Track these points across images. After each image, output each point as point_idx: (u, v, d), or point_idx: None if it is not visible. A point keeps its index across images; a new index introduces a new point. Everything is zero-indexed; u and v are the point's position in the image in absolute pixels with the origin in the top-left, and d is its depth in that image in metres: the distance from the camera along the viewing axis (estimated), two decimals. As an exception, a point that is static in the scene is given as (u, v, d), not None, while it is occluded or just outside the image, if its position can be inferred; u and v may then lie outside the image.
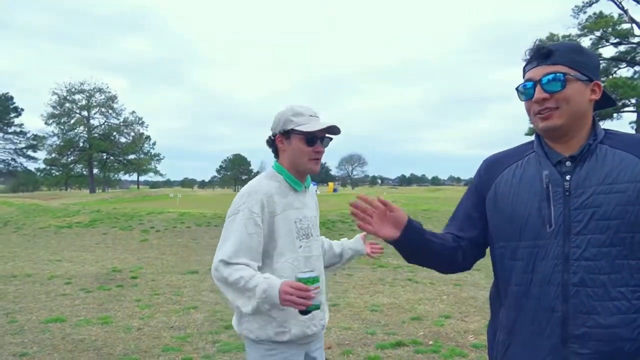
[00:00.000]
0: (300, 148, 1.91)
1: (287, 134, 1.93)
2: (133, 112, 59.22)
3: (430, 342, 4.66)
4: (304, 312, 1.68)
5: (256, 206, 1.82)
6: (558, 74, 1.28)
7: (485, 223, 1.45)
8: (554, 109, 1.28)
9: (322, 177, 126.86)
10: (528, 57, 1.36)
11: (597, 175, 1.26)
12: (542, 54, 1.31)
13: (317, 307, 1.68)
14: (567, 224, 1.26)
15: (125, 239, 13.05)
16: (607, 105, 1.42)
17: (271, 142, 2.01)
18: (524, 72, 1.37)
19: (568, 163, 1.31)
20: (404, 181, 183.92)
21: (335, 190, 68.15)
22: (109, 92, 56.55)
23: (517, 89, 1.37)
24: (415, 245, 1.42)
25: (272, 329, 1.85)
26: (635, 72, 30.00)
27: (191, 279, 8.06)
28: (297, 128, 1.90)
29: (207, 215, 16.58)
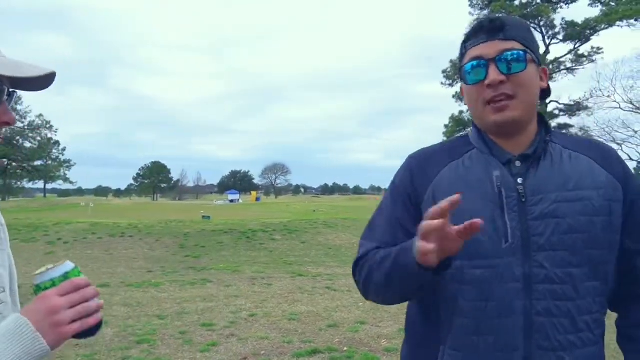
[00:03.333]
0: None
1: None
2: (40, 115, 55.20)
3: (345, 348, 4.79)
4: (88, 333, 0.87)
5: None
6: (518, 52, 1.05)
7: None
8: (510, 97, 1.05)
9: (245, 186, 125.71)
10: (472, 30, 1.10)
11: (556, 179, 1.06)
12: (494, 26, 1.07)
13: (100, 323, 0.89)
14: (526, 238, 1.03)
15: (28, 251, 12.09)
16: (543, 96, 1.18)
17: None
18: (465, 49, 1.12)
19: (518, 163, 1.08)
20: (327, 190, 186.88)
21: (258, 199, 67.71)
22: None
23: (461, 68, 1.12)
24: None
25: None
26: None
27: (101, 292, 7.43)
28: None
29: (122, 226, 15.83)
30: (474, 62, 1.08)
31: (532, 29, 1.13)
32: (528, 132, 1.11)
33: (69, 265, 0.89)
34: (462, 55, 1.13)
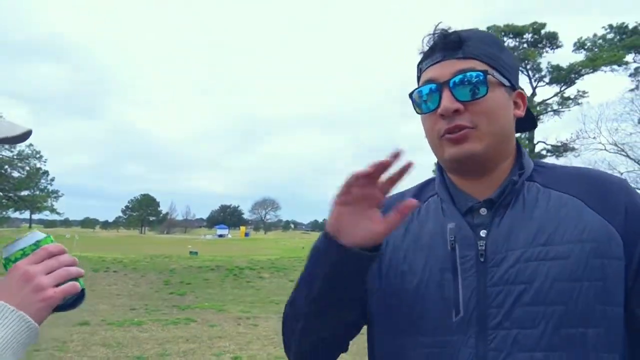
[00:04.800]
0: None
1: None
2: (30, 144, 54.86)
3: (331, 396, 4.63)
4: (72, 304, 0.79)
5: None
6: (477, 73, 0.84)
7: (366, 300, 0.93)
8: (469, 128, 0.84)
9: (235, 220, 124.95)
10: (427, 47, 0.90)
11: (526, 230, 0.82)
12: (449, 41, 0.86)
13: (83, 288, 0.80)
14: (483, 309, 0.80)
15: (8, 286, 11.77)
16: (526, 127, 0.99)
17: None
18: (420, 71, 0.92)
19: (483, 211, 0.86)
20: (317, 226, 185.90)
21: (247, 234, 67.19)
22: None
23: (411, 96, 0.91)
24: (364, 273, 0.82)
25: None
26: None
27: (80, 331, 7.38)
28: None
29: (107, 260, 15.55)
30: (425, 88, 0.88)
31: (506, 46, 0.93)
32: (500, 171, 0.88)
33: (39, 234, 0.80)
34: (418, 78, 0.93)
